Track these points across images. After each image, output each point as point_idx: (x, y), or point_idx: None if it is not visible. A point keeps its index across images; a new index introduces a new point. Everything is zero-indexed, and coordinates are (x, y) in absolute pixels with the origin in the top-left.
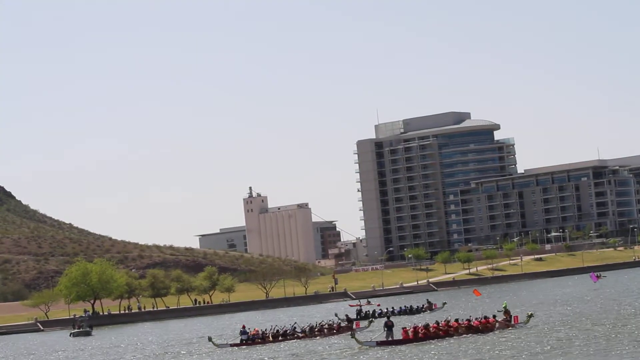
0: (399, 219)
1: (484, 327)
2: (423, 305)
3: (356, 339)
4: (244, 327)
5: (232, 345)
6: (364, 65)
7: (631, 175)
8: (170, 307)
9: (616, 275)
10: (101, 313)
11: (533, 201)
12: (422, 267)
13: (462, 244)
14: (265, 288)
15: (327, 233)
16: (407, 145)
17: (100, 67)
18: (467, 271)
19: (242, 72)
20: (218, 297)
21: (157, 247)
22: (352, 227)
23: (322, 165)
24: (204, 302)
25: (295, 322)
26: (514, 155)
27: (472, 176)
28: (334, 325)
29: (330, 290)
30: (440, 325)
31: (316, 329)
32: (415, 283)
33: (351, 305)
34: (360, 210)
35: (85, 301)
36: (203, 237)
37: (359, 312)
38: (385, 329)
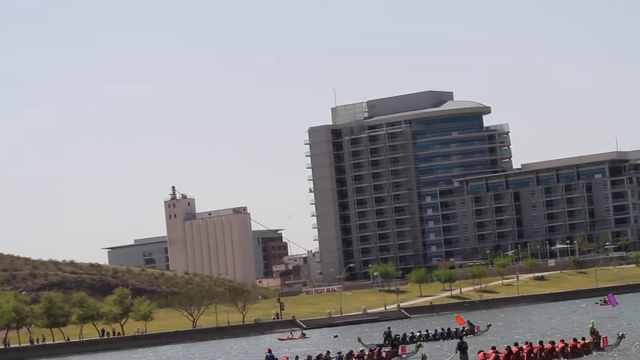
0: (362, 228)
1: (572, 350)
2: (464, 328)
3: None
4: (269, 351)
5: None
6: (318, 35)
7: None
8: (72, 340)
9: (633, 299)
10: None
11: (533, 204)
12: (391, 288)
13: (442, 259)
14: (192, 315)
15: (271, 245)
16: (373, 134)
17: None
18: (448, 293)
19: (165, 49)
20: (132, 327)
21: (54, 263)
22: (302, 238)
23: (264, 160)
24: (114, 333)
25: (328, 351)
26: (508, 146)
27: (455, 172)
28: (374, 351)
29: (274, 318)
30: (523, 348)
31: (355, 356)
32: (383, 308)
33: (280, 339)
34: (312, 216)
35: None
36: (113, 251)
37: (387, 335)
38: (459, 351)
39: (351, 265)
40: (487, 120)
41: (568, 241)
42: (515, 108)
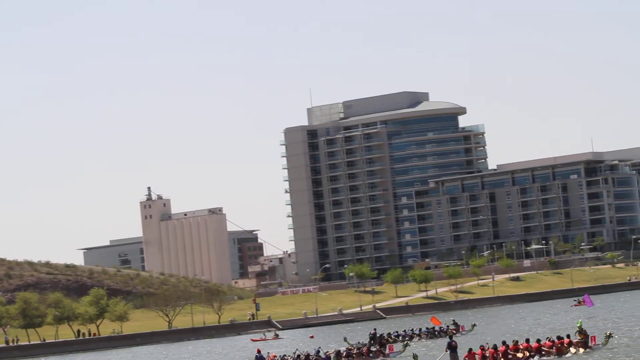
0: (338, 228)
1: (558, 349)
2: (448, 326)
3: None
4: (259, 351)
5: None
6: (295, 35)
7: (634, 171)
8: (47, 340)
9: (608, 300)
10: None
11: (508, 205)
12: (367, 289)
13: (418, 260)
14: (167, 316)
15: (247, 246)
16: (348, 134)
17: None
18: (423, 294)
19: (143, 51)
20: (107, 328)
21: (30, 263)
22: (278, 238)
23: (239, 161)
24: (90, 334)
25: (319, 347)
26: (483, 147)
27: (431, 173)
28: (363, 349)
29: (250, 319)
30: (509, 347)
31: (343, 354)
32: (359, 309)
33: (253, 340)
34: (288, 216)
35: None
36: (88, 251)
37: (373, 336)
38: (449, 350)
39: (327, 265)
40: (463, 121)
41: (544, 242)
42: (491, 109)
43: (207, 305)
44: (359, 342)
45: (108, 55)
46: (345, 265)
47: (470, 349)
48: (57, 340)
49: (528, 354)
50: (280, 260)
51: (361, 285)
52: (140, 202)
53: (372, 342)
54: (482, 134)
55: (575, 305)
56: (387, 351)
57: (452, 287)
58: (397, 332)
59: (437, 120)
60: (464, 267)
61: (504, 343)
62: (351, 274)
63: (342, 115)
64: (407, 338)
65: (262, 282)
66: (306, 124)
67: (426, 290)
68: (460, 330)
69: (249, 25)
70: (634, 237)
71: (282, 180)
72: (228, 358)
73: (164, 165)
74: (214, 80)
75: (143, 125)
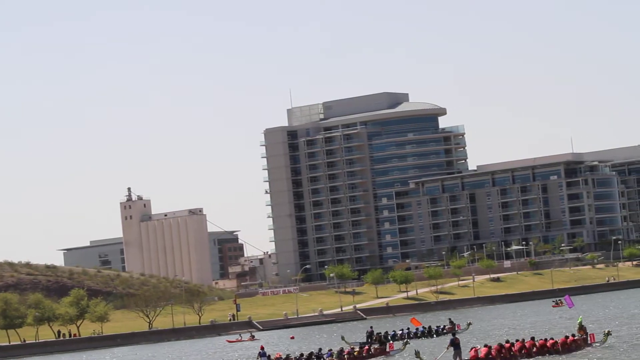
0: (318, 229)
1: (562, 346)
2: (445, 326)
3: (420, 359)
4: (262, 348)
5: None
6: (273, 36)
7: (614, 172)
8: (28, 341)
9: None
10: None
11: (488, 206)
12: (348, 290)
13: (398, 261)
14: (148, 316)
15: (227, 246)
16: (329, 135)
17: None
18: (404, 294)
19: (122, 51)
20: (88, 328)
21: (9, 264)
22: (258, 239)
23: (219, 161)
24: (70, 335)
25: (320, 348)
26: (463, 148)
27: (411, 174)
28: (363, 348)
29: (230, 319)
30: (514, 344)
31: (345, 353)
32: (339, 310)
33: (229, 341)
34: (268, 217)
35: None
36: (69, 252)
37: (370, 334)
38: (452, 347)
39: (307, 266)
40: (443, 122)
41: (524, 242)
42: (471, 109)
43: (188, 306)
44: (355, 342)
45: (86, 57)
46: (326, 266)
47: (473, 347)
48: (37, 341)
49: (535, 349)
50: (261, 260)
51: (342, 286)
52: (121, 203)
53: (369, 340)
54: (462, 134)
55: (554, 307)
56: (387, 349)
57: (433, 288)
58: (394, 331)
59: (417, 121)
60: (445, 267)
61: (507, 341)
62: (331, 275)
63: (322, 116)
64: (404, 337)
65: (242, 283)
66: (286, 124)
67: (406, 291)
68: (457, 328)
69: (227, 26)
70: (614, 238)
71: (262, 181)
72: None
73: (144, 165)
74: (193, 81)
75: (123, 126)
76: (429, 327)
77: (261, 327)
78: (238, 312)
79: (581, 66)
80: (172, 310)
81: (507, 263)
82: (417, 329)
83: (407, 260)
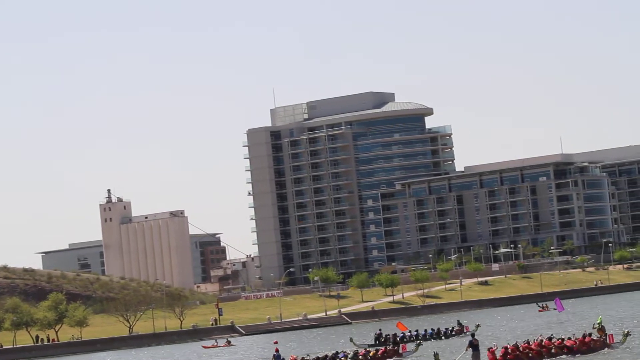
0: (302, 231)
1: (581, 346)
2: (453, 327)
3: None
4: (277, 350)
5: None
6: (256, 34)
7: (604, 174)
8: (5, 347)
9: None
10: None
11: (476, 208)
12: (332, 294)
13: (384, 264)
14: (128, 321)
15: (209, 249)
16: (313, 135)
17: None
18: (390, 298)
19: (95, 49)
20: (67, 333)
21: None
22: (241, 242)
23: (201, 162)
24: (49, 340)
25: (337, 351)
26: (451, 149)
27: (397, 175)
28: (379, 351)
29: (212, 324)
30: (532, 344)
31: (360, 354)
32: (324, 314)
33: (205, 347)
34: (251, 219)
35: None
36: (47, 255)
37: (378, 336)
38: (470, 348)
39: (291, 269)
40: (430, 122)
41: (512, 245)
42: (458, 109)
43: (169, 310)
44: (363, 344)
45: (63, 58)
46: (310, 269)
47: (490, 348)
48: (15, 347)
49: (554, 349)
50: (244, 264)
51: (326, 290)
52: (100, 205)
53: (377, 342)
54: (450, 135)
55: (539, 311)
56: (400, 350)
57: (419, 292)
58: (403, 332)
59: (403, 121)
60: (431, 271)
61: (525, 342)
62: (316, 278)
63: (306, 116)
64: (412, 339)
65: (224, 287)
66: (269, 125)
67: (392, 295)
68: (465, 330)
69: (211, 24)
70: (604, 240)
71: (245, 182)
72: None
73: (124, 167)
74: (174, 81)
75: (103, 127)
76: (438, 329)
77: (244, 332)
78: (220, 317)
79: (570, 65)
80: (153, 314)
81: (495, 266)
82: (425, 331)
83: (393, 264)
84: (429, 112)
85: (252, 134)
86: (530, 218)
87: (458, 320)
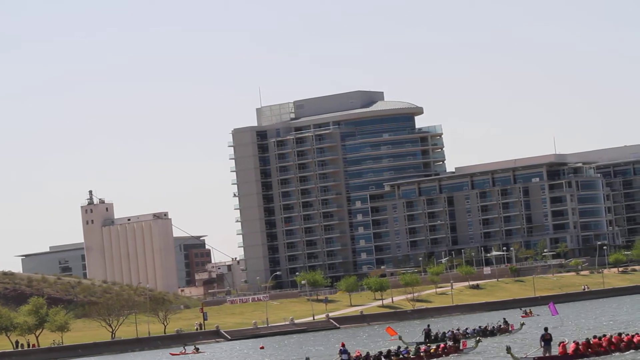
0: (289, 234)
1: None
2: (500, 325)
3: (512, 355)
4: (343, 345)
5: None
6: (242, 33)
7: (598, 174)
8: None
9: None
10: None
11: (467, 209)
12: (320, 298)
13: (373, 267)
14: (110, 326)
15: (193, 252)
16: (300, 135)
17: None
18: (379, 302)
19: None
20: (48, 338)
21: None
22: (226, 245)
23: (186, 163)
24: (29, 345)
25: (399, 346)
26: (441, 149)
27: (386, 176)
28: (439, 347)
29: (197, 329)
30: (602, 340)
31: (422, 350)
32: (311, 318)
33: (172, 354)
34: (237, 221)
35: None
36: (27, 258)
37: (427, 333)
38: (543, 343)
39: (278, 273)
40: (420, 122)
41: (504, 248)
42: (449, 109)
43: (152, 314)
44: (412, 342)
45: (44, 53)
46: (297, 273)
47: (561, 342)
48: None
49: (624, 344)
50: (229, 267)
51: (314, 294)
52: (82, 207)
53: (426, 340)
54: (440, 135)
55: (522, 317)
56: (461, 347)
57: (409, 296)
58: (450, 330)
59: (392, 121)
60: (421, 274)
61: (595, 337)
62: (303, 282)
63: (293, 116)
64: (461, 335)
65: (209, 291)
66: (255, 124)
67: (382, 299)
68: (510, 329)
69: (198, 22)
70: (598, 243)
71: (231, 183)
72: None
73: (106, 167)
74: (158, 79)
75: (84, 127)
76: (486, 326)
77: (229, 337)
78: (205, 321)
79: (564, 64)
80: (136, 319)
81: (487, 269)
82: (474, 329)
83: (382, 267)
84: (419, 111)
85: (237, 134)
86: (522, 220)
87: (504, 318)
